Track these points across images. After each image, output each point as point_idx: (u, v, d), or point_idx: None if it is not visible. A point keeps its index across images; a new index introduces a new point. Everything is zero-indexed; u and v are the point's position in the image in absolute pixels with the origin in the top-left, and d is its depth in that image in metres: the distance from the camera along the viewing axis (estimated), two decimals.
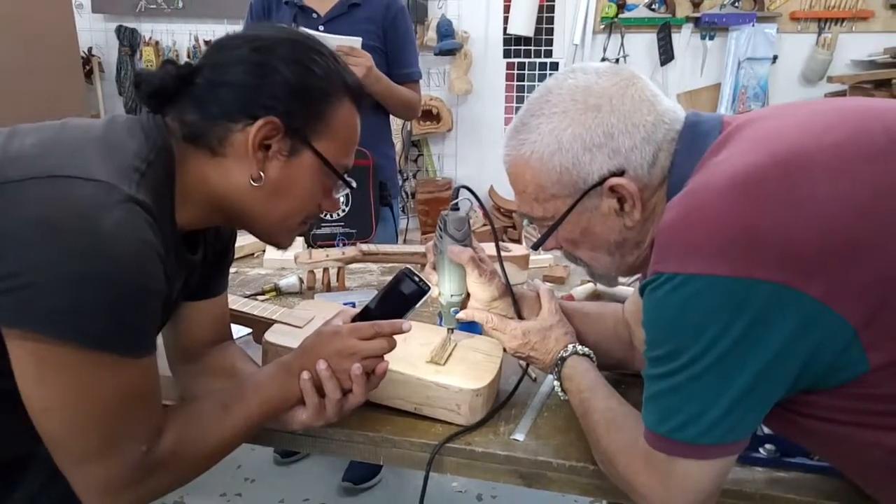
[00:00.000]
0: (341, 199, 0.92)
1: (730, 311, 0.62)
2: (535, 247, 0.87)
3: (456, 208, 0.95)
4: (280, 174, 0.81)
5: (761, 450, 0.86)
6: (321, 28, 1.93)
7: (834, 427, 0.68)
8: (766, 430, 0.87)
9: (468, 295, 1.00)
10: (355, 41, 1.81)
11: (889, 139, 0.65)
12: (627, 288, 1.40)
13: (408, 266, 0.91)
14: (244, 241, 1.78)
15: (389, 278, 0.90)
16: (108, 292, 0.64)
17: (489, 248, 1.03)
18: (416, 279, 0.88)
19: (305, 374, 0.82)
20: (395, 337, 0.86)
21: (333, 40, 1.77)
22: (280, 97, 0.78)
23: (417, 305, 0.88)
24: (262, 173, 0.79)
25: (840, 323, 0.60)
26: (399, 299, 0.88)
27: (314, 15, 1.96)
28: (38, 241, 0.62)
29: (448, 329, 1.02)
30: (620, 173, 0.77)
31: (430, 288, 0.89)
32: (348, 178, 0.87)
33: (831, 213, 0.61)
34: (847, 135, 0.66)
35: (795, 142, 0.67)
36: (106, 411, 0.68)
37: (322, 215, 1.87)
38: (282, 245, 0.92)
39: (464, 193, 0.95)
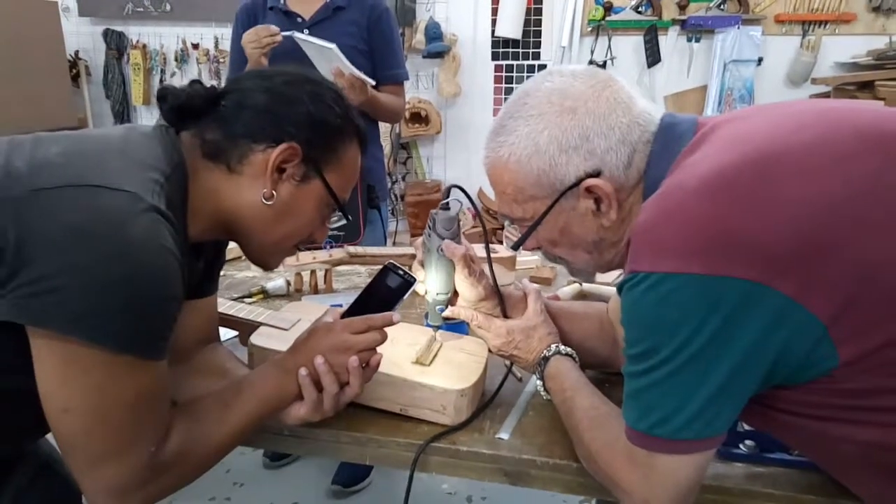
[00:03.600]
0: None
1: (704, 308, 0.63)
2: (515, 247, 0.89)
3: (446, 207, 0.96)
4: (289, 197, 0.86)
5: (741, 446, 0.87)
6: (306, 31, 1.93)
7: (808, 422, 0.69)
8: (746, 427, 0.88)
9: (455, 293, 1.01)
10: (367, 81, 1.83)
11: (858, 140, 0.66)
12: (612, 288, 1.41)
13: (391, 261, 0.93)
14: (234, 243, 1.77)
15: None
16: (135, 297, 0.67)
17: (479, 249, 1.04)
18: (401, 272, 0.91)
19: (303, 371, 0.84)
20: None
21: (316, 46, 1.79)
22: (303, 126, 0.84)
23: (405, 297, 0.90)
24: (274, 192, 0.84)
25: (811, 319, 0.61)
26: (386, 293, 0.91)
27: (299, 19, 1.96)
28: (70, 247, 0.65)
29: (434, 328, 1.03)
30: (596, 174, 0.78)
31: (415, 280, 0.91)
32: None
33: (802, 212, 0.62)
34: (818, 136, 0.67)
35: (767, 142, 0.68)
36: (123, 412, 0.71)
37: None
38: (269, 266, 0.96)
39: (455, 192, 0.96)
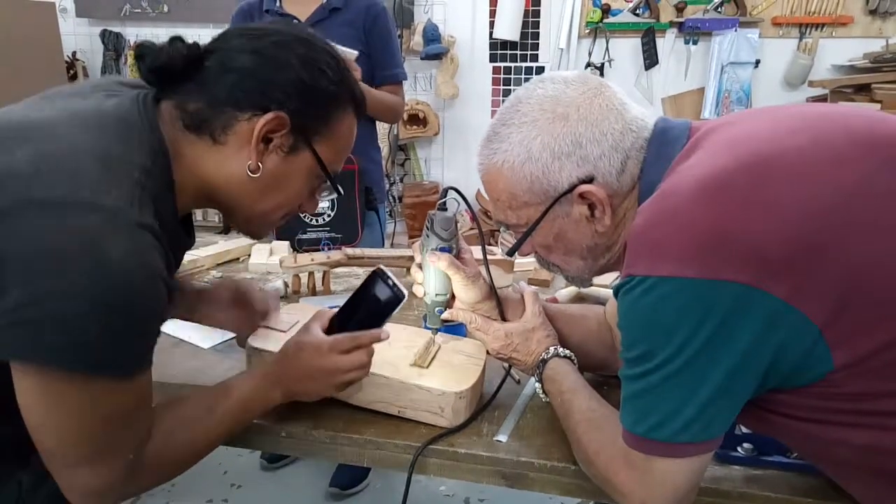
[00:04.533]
0: (326, 204, 0.94)
1: (699, 311, 0.63)
2: (510, 253, 0.89)
3: (444, 208, 0.96)
4: (276, 168, 0.81)
5: (739, 449, 0.87)
6: None
7: (804, 425, 0.70)
8: (744, 430, 0.88)
9: (453, 296, 1.01)
10: (350, 53, 1.82)
11: (851, 144, 0.67)
12: (610, 291, 1.41)
13: (380, 266, 0.91)
14: (231, 244, 1.78)
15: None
16: (115, 322, 0.65)
17: (476, 252, 1.04)
18: (391, 283, 0.89)
19: None
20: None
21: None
22: (291, 94, 0.78)
23: (394, 312, 0.90)
24: (260, 164, 0.80)
25: (805, 322, 0.62)
26: (376, 306, 0.90)
27: (295, 21, 1.96)
28: (45, 273, 0.62)
29: (432, 330, 1.03)
30: (589, 180, 0.78)
31: (405, 295, 0.89)
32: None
33: (795, 215, 0.62)
34: (810, 139, 0.68)
35: (760, 146, 0.68)
36: (100, 426, 0.70)
37: (307, 220, 1.88)
38: (257, 236, 0.92)
39: (452, 194, 0.96)
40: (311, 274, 1.50)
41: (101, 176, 0.68)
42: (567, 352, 0.96)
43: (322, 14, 1.95)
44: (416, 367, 0.99)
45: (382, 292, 0.89)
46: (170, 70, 0.78)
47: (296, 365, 0.88)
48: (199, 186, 0.81)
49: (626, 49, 3.53)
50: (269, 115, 0.77)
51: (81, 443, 0.70)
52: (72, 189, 0.65)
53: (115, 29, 3.88)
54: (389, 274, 0.90)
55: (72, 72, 3.79)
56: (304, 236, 1.75)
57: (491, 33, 3.60)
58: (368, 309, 0.90)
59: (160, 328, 0.74)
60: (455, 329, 1.13)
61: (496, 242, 2.10)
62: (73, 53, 3.88)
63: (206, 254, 1.69)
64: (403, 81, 2.11)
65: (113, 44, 3.88)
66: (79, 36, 3.93)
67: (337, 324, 0.92)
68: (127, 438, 0.74)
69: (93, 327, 0.64)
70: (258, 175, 0.80)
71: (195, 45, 0.79)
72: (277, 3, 1.97)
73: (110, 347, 0.66)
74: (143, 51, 0.79)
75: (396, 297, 0.89)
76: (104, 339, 0.65)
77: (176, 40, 0.79)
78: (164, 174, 0.76)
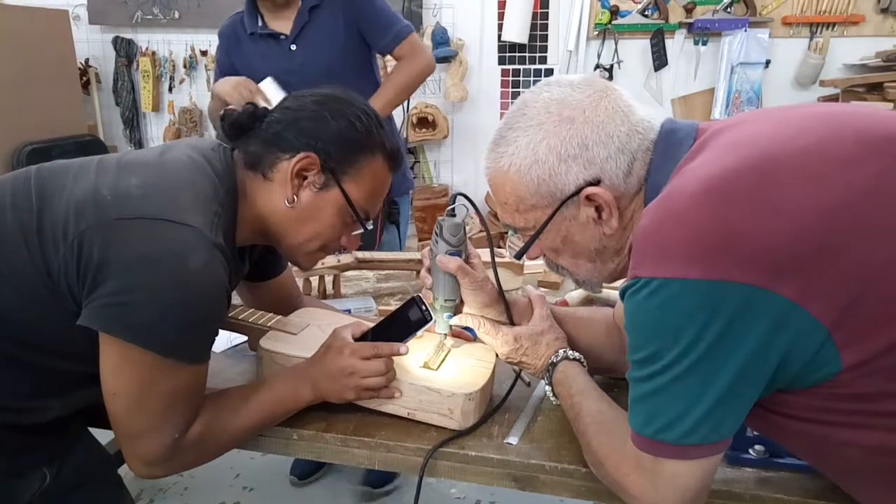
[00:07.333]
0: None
1: (706, 313, 0.63)
2: (518, 256, 0.89)
3: (452, 214, 0.97)
4: (309, 202, 0.96)
5: (750, 451, 0.87)
6: (293, 48, 1.91)
7: (811, 426, 0.69)
8: (756, 432, 0.88)
9: (463, 300, 1.01)
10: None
11: (858, 144, 0.66)
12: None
13: (419, 294, 0.99)
14: None
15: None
16: (186, 317, 0.82)
17: (486, 255, 1.05)
18: (423, 308, 0.98)
19: None
20: None
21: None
22: (324, 140, 0.95)
23: (420, 332, 0.98)
24: (295, 197, 0.95)
25: (813, 323, 0.61)
26: (405, 324, 0.98)
27: (282, 37, 1.92)
28: (139, 271, 0.79)
29: (442, 334, 1.03)
30: (596, 183, 0.78)
31: (432, 318, 0.98)
32: (365, 221, 1.01)
33: (802, 216, 0.62)
34: (818, 139, 0.67)
35: (767, 147, 0.68)
36: (159, 403, 0.84)
37: None
38: (301, 266, 1.06)
39: (461, 200, 0.97)
40: (321, 277, 1.51)
41: (192, 205, 0.85)
42: (576, 354, 0.96)
43: (303, 19, 1.90)
44: (426, 369, 0.99)
45: (414, 314, 0.99)
46: (240, 124, 0.99)
47: (321, 364, 0.96)
48: (255, 218, 0.97)
49: (636, 50, 3.52)
50: (301, 155, 0.94)
51: (142, 413, 0.84)
52: (167, 210, 0.82)
53: (127, 35, 3.91)
54: (424, 301, 0.99)
55: (84, 78, 3.83)
56: None
57: (499, 36, 3.60)
58: (397, 325, 0.99)
59: (218, 328, 0.90)
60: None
61: (505, 246, 2.09)
62: (86, 60, 3.92)
63: None
64: (411, 34, 1.97)
65: (125, 50, 3.91)
66: (91, 43, 3.97)
67: (369, 336, 0.99)
68: (177, 417, 0.86)
69: (168, 319, 0.80)
70: (294, 206, 0.96)
71: (264, 109, 1.01)
72: (261, 23, 1.93)
73: (179, 337, 0.82)
74: (224, 114, 1.01)
75: (424, 319, 0.97)
76: (176, 329, 0.81)
77: (249, 104, 1.02)
78: (232, 209, 0.94)
